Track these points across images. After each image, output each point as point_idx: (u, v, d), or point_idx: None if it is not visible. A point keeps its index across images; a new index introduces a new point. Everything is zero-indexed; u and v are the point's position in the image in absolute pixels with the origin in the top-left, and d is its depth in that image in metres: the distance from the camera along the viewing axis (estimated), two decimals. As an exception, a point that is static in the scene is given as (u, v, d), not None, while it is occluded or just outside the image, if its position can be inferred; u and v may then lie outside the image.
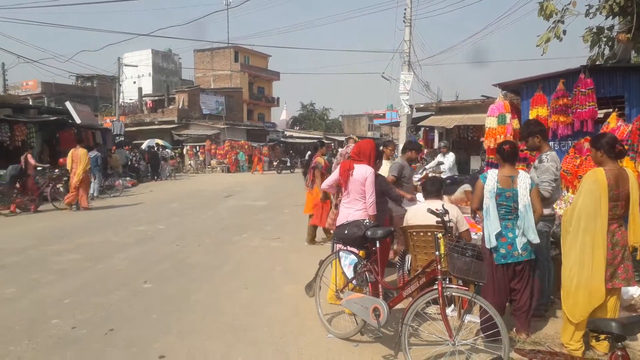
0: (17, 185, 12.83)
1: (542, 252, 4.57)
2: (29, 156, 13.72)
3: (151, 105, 44.13)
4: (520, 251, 4.06)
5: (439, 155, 12.23)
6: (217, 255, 7.72)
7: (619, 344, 2.37)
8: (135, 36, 67.91)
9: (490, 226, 4.09)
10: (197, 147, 36.46)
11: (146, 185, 16.59)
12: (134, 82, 48.12)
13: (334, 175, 5.17)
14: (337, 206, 5.44)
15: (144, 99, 45.34)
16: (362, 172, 4.83)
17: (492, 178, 4.17)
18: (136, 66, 39.70)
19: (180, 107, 40.30)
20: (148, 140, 32.35)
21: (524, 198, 4.05)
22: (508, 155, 4.22)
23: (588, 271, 3.75)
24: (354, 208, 4.83)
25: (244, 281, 6.16)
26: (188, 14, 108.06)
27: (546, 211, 4.52)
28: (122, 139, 27.35)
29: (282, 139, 47.40)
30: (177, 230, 9.94)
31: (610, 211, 3.77)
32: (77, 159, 12.76)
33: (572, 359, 2.57)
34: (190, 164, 35.37)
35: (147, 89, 49.87)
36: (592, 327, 2.51)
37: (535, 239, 4.04)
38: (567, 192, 6.29)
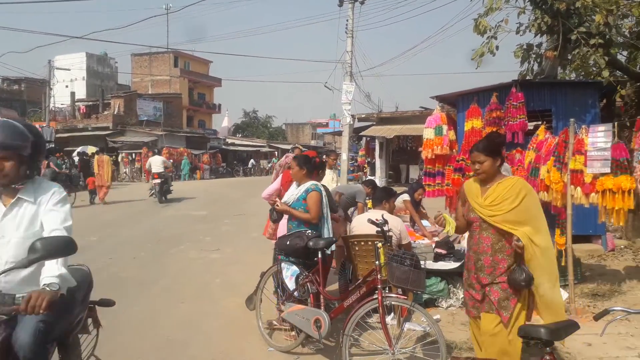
0: None
1: None
2: None
3: (85, 111, 42.20)
4: None
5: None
6: (152, 268, 7.43)
7: (548, 348, 2.47)
8: (68, 38, 65.05)
9: None
10: (134, 155, 35.19)
11: (79, 194, 15.87)
12: (67, 86, 45.92)
13: (275, 185, 5.18)
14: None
15: (77, 104, 43.33)
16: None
17: None
18: (68, 69, 37.93)
19: (115, 112, 38.78)
20: (80, 147, 30.89)
21: None
22: None
23: None
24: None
25: (181, 295, 5.95)
26: (126, 17, 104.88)
27: None
28: (53, 145, 25.97)
29: (223, 146, 46.71)
30: (110, 242, 9.49)
31: None
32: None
33: (506, 365, 2.65)
34: (125, 172, 34.08)
35: (81, 93, 47.71)
36: (522, 333, 2.59)
37: None
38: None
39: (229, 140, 51.02)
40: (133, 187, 25.08)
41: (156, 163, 16.32)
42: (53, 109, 36.83)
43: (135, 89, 48.23)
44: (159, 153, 24.55)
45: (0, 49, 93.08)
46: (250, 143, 51.90)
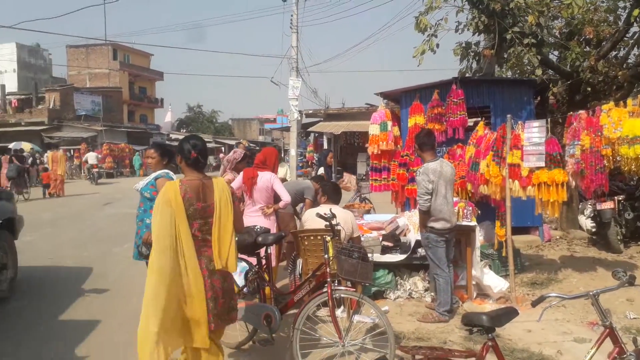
0: None
1: (441, 262, 4.87)
2: None
3: (16, 105, 39.89)
4: None
5: None
6: (97, 268, 7.18)
7: (490, 335, 2.60)
8: (-4, 27, 60.99)
9: None
10: (72, 151, 33.66)
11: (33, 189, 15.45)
12: (-5, 79, 43.26)
13: (236, 183, 5.19)
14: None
15: (7, 97, 40.88)
16: (267, 178, 5.09)
17: None
18: (-3, 61, 35.72)
19: (51, 107, 36.90)
20: (14, 143, 29.19)
21: None
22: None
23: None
24: (262, 216, 4.99)
25: (129, 294, 5.79)
26: (60, 6, 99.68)
27: (437, 225, 4.84)
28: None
29: (167, 141, 45.46)
30: (50, 243, 9.07)
31: (199, 232, 3.09)
32: None
33: (450, 352, 2.78)
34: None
35: (12, 86, 45.03)
36: (465, 321, 2.72)
37: None
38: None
39: (173, 136, 49.72)
40: (77, 184, 23.98)
41: (92, 157, 24.90)
42: (-19, 102, 34.59)
43: (72, 82, 46.07)
44: (95, 149, 28.94)
45: None
46: (196, 139, 50.74)
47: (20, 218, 6.55)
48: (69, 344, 4.36)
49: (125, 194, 17.52)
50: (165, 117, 58.64)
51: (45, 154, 23.07)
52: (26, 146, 27.35)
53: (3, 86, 41.68)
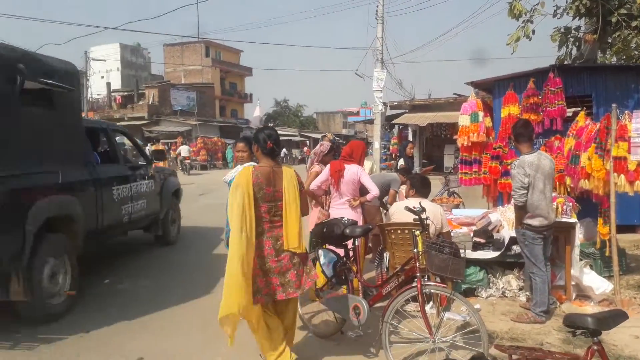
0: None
1: (538, 260, 4.65)
2: None
3: (120, 101, 43.18)
4: None
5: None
6: (197, 254, 7.67)
7: (595, 338, 2.44)
8: (103, 29, 66.41)
9: None
10: (169, 144, 35.87)
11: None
12: (102, 77, 47.03)
13: (323, 176, 5.23)
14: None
15: (112, 94, 44.34)
16: (354, 171, 5.11)
17: None
18: (104, 60, 38.75)
19: (150, 102, 39.55)
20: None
21: None
22: None
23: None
24: (348, 208, 5.00)
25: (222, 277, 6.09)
26: (158, 7, 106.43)
27: (534, 222, 4.60)
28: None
29: (255, 135, 47.01)
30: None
31: (267, 214, 3.45)
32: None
33: (550, 354, 2.65)
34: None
35: (116, 84, 48.80)
36: (567, 322, 2.57)
37: None
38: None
39: (261, 130, 51.30)
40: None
41: (184, 150, 28.37)
42: (90, 99, 37.78)
43: (169, 79, 49.00)
44: (190, 143, 30.79)
45: (39, 41, 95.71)
46: (282, 132, 52.05)
47: (181, 189, 8.94)
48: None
49: (220, 185, 18.35)
50: (254, 112, 60.46)
51: (147, 147, 24.75)
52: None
53: (109, 84, 45.24)
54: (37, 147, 4.70)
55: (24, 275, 4.21)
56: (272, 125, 58.52)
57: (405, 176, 6.99)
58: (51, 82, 4.81)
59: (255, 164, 4.71)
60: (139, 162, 7.57)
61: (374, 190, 5.10)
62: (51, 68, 5.01)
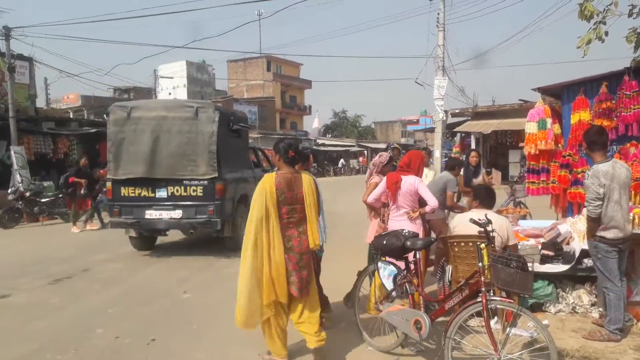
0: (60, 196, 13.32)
1: (612, 274, 4.37)
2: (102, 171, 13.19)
3: (188, 117, 44.82)
4: None
5: None
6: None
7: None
8: (170, 48, 69.74)
9: None
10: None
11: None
12: (169, 94, 49.10)
13: (380, 188, 5.14)
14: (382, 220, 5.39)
15: (179, 110, 46.13)
16: (411, 182, 4.97)
17: None
18: (172, 77, 40.54)
19: (215, 117, 40.85)
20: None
21: None
22: None
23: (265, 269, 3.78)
24: (407, 220, 4.94)
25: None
26: (221, 25, 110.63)
27: (609, 234, 4.33)
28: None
29: (314, 147, 47.56)
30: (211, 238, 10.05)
31: (286, 215, 3.84)
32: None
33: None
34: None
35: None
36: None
37: None
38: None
39: (319, 141, 51.84)
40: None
41: None
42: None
43: (232, 94, 50.54)
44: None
45: (112, 61, 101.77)
46: (340, 143, 52.29)
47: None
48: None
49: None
50: (313, 124, 61.41)
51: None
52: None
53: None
54: (236, 159, 8.97)
55: (230, 223, 8.24)
56: (330, 136, 58.95)
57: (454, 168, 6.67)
58: (240, 124, 9.38)
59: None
60: (264, 167, 11.26)
61: (432, 202, 4.94)
62: (239, 117, 9.79)
